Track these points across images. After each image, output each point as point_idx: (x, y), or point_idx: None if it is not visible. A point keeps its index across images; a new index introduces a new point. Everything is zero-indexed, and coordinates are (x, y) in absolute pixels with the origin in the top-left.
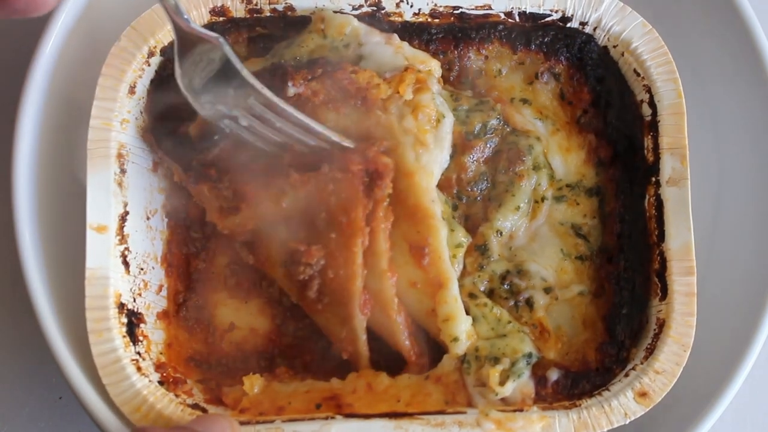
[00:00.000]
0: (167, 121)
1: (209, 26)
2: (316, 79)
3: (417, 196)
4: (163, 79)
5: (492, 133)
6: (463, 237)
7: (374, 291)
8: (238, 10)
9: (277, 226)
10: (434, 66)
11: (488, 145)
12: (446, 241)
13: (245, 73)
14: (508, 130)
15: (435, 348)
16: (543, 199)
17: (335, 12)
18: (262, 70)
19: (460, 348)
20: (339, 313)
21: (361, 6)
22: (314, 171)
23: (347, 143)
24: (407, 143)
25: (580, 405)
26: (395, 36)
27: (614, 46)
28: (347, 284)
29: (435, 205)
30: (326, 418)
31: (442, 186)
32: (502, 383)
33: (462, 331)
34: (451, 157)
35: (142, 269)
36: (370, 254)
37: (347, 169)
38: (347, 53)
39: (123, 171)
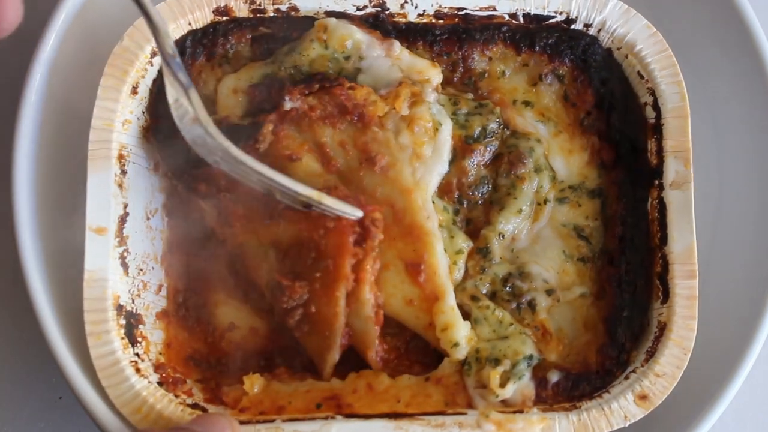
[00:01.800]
0: (169, 122)
1: (212, 26)
2: (313, 94)
3: (413, 214)
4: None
5: (492, 137)
6: (463, 243)
7: (358, 330)
8: (242, 10)
9: (267, 250)
10: (432, 74)
11: (488, 149)
12: (446, 249)
13: (212, 130)
14: (508, 132)
15: (436, 351)
16: (545, 201)
17: (339, 13)
18: (260, 84)
19: (461, 353)
20: (319, 341)
21: (365, 7)
22: (308, 210)
23: (339, 210)
24: (404, 160)
25: (580, 407)
26: (396, 45)
27: (618, 48)
28: (330, 320)
29: (430, 221)
30: (326, 418)
31: (442, 190)
32: (502, 385)
33: (462, 336)
34: (452, 161)
35: (141, 270)
36: (355, 300)
37: (339, 218)
38: (347, 66)
39: (124, 172)
